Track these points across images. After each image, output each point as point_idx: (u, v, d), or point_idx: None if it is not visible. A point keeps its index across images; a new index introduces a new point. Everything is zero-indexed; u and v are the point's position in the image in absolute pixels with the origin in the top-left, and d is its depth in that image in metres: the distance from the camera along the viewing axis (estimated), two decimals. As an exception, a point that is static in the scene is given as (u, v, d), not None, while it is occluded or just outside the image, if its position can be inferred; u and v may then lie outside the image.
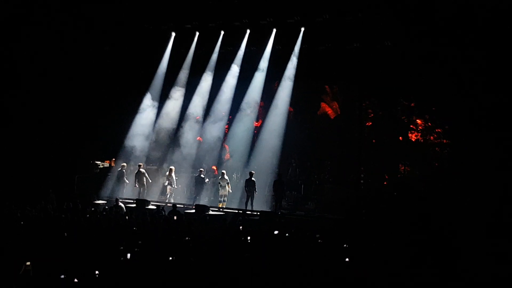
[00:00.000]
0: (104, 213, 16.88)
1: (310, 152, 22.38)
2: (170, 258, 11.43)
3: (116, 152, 23.40)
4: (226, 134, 23.96)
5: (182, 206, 19.92)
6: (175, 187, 21.67)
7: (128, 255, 11.49)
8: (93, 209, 17.90)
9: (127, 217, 15.88)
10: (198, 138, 23.90)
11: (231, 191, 20.83)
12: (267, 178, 21.38)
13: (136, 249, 11.91)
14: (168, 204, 19.56)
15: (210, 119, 23.53)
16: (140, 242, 12.67)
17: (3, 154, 22.70)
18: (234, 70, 23.42)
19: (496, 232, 14.31)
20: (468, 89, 18.30)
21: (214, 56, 23.69)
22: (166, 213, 17.17)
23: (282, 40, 22.44)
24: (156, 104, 24.22)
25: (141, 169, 21.66)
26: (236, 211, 18.92)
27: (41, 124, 23.31)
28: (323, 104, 23.66)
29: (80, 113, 23.27)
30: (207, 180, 21.74)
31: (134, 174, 21.73)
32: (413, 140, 21.30)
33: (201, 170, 21.41)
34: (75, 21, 22.41)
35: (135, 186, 21.65)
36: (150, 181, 21.94)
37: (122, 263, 11.16)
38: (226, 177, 20.77)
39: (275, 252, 11.75)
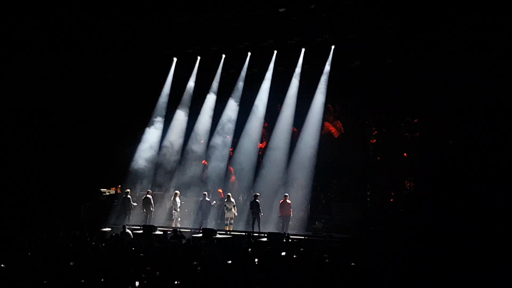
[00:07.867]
0: (111, 240, 16.82)
1: (316, 171, 22.25)
2: (178, 283, 11.38)
3: (121, 178, 23.42)
4: (231, 156, 23.97)
5: (189, 230, 19.84)
6: (179, 211, 21.58)
7: (137, 283, 11.44)
8: (100, 236, 17.85)
9: (134, 244, 15.79)
10: (203, 161, 23.92)
11: (237, 214, 20.66)
12: (273, 199, 21.31)
13: (143, 275, 11.85)
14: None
15: (215, 142, 23.56)
16: (148, 268, 12.62)
17: (10, 182, 22.78)
18: (237, 92, 23.56)
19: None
20: (473, 104, 18.30)
21: (217, 79, 23.89)
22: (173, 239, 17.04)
23: (283, 61, 22.62)
24: (160, 129, 24.31)
25: (148, 195, 21.68)
26: (244, 233, 18.81)
27: (46, 153, 23.41)
28: (326, 123, 23.63)
29: (84, 141, 23.37)
30: (214, 202, 21.68)
31: (142, 200, 21.75)
32: None
33: (205, 194, 21.39)
34: (76, 48, 22.59)
35: (143, 211, 21.63)
36: (153, 209, 21.78)
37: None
38: (232, 199, 20.68)
39: (282, 274, 11.66)
